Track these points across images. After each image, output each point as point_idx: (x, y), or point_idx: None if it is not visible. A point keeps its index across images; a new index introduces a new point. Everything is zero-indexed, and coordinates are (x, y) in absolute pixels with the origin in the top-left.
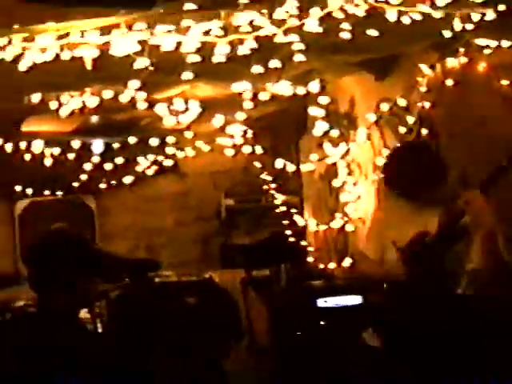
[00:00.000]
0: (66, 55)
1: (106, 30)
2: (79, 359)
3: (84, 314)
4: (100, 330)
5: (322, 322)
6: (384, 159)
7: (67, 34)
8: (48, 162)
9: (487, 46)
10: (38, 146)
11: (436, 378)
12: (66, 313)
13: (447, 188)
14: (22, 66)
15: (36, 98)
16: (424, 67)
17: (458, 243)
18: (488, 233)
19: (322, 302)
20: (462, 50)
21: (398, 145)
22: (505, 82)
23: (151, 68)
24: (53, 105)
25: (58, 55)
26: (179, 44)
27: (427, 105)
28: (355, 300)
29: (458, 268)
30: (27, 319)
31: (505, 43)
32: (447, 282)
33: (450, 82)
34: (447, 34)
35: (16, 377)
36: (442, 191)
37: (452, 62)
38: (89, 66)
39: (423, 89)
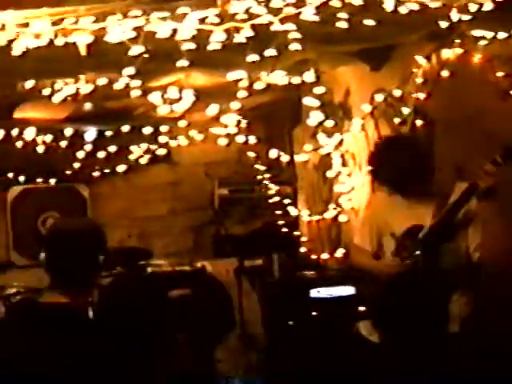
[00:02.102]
0: (60, 41)
1: (101, 17)
2: (71, 347)
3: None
4: (91, 318)
5: (314, 313)
6: (372, 152)
7: (61, 20)
8: (40, 149)
9: (483, 37)
10: (30, 133)
11: (429, 368)
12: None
13: (439, 181)
14: (16, 52)
15: (29, 84)
16: (420, 58)
17: (452, 237)
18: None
19: (314, 293)
20: (458, 40)
21: (385, 139)
22: (500, 74)
23: (146, 55)
24: (46, 91)
25: (51, 41)
26: (175, 31)
27: (422, 96)
28: (348, 291)
29: (456, 258)
30: (19, 307)
31: (501, 34)
32: (444, 274)
33: (445, 73)
34: (444, 24)
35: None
36: (434, 184)
37: (448, 53)
38: (83, 52)
39: (419, 80)
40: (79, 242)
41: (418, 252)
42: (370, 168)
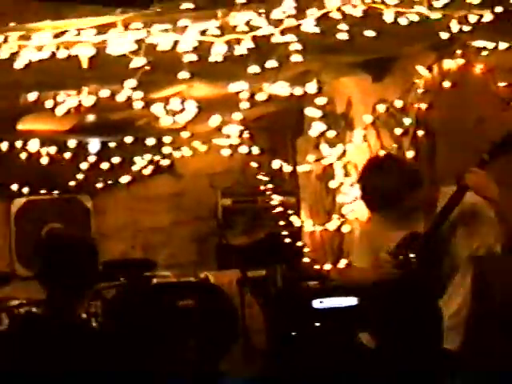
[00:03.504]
0: (62, 54)
1: (102, 29)
2: (75, 358)
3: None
4: (95, 330)
5: (317, 323)
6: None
7: (63, 33)
8: (44, 160)
9: (484, 48)
10: (33, 144)
11: (431, 377)
12: (63, 312)
13: (426, 189)
14: (18, 65)
15: (32, 96)
16: (421, 69)
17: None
18: (499, 208)
19: (317, 303)
20: (459, 51)
21: (367, 162)
22: (502, 84)
23: (148, 67)
24: (49, 103)
25: (54, 53)
26: (176, 43)
27: (424, 106)
28: (351, 301)
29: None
30: (22, 319)
31: (502, 45)
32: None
33: (447, 84)
34: (444, 35)
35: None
36: (421, 193)
37: (449, 64)
38: (85, 64)
39: (420, 90)
40: (67, 254)
41: (414, 259)
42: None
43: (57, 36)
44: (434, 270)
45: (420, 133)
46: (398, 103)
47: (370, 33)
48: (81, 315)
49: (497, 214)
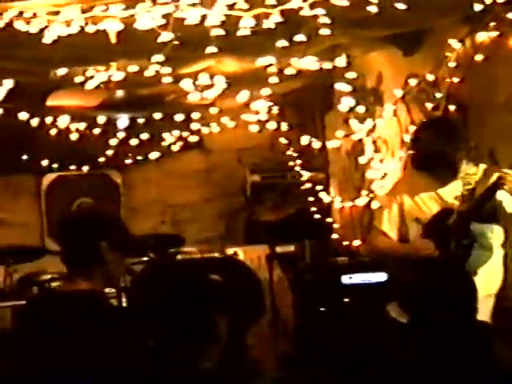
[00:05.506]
0: (90, 29)
1: (130, 4)
2: (105, 333)
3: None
4: (124, 305)
5: (346, 299)
6: (410, 137)
7: (91, 8)
8: (74, 136)
9: None
10: (63, 120)
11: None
12: (92, 288)
13: (472, 165)
14: (47, 39)
15: (61, 71)
16: (453, 42)
17: (483, 220)
18: None
19: (346, 279)
20: (492, 23)
21: (423, 121)
22: None
23: (176, 42)
24: (78, 79)
25: (82, 28)
26: (204, 17)
27: (456, 80)
28: (380, 277)
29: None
30: (54, 293)
31: None
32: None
33: (479, 57)
34: (478, 7)
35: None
36: (465, 166)
37: (482, 37)
38: (113, 39)
39: (452, 64)
40: (78, 228)
41: (447, 237)
42: (409, 153)
43: (85, 11)
44: (465, 249)
45: (451, 108)
46: (430, 77)
47: (400, 5)
48: (107, 291)
49: None
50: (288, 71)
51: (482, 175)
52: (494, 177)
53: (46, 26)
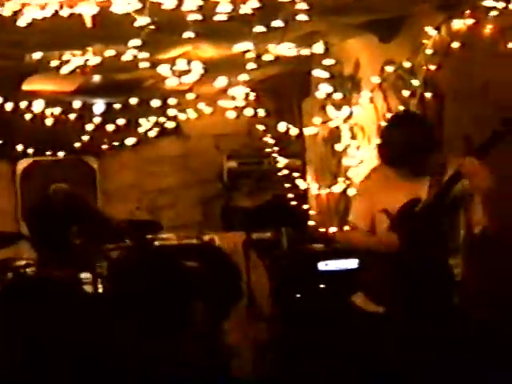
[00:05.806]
0: (65, 12)
1: None
2: (78, 319)
3: (85, 274)
4: (100, 291)
5: (322, 285)
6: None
7: None
8: (49, 121)
9: (494, 8)
10: (39, 105)
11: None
12: (66, 273)
13: (438, 156)
14: (21, 22)
15: (37, 55)
16: (429, 29)
17: (449, 210)
18: (486, 196)
19: (322, 265)
20: (468, 11)
21: (391, 117)
22: (511, 45)
23: (152, 27)
24: (54, 63)
25: (57, 12)
26: (180, 2)
27: (432, 67)
28: (356, 263)
29: (449, 235)
30: (28, 279)
31: None
32: (438, 249)
33: (455, 45)
34: None
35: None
36: (433, 159)
37: (458, 24)
38: (89, 23)
39: (429, 51)
40: (49, 213)
41: (415, 225)
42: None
43: None
44: (434, 237)
45: (428, 95)
46: (406, 64)
47: None
48: (82, 277)
49: (482, 203)
50: (265, 57)
51: (449, 165)
52: (454, 163)
53: (20, 9)
